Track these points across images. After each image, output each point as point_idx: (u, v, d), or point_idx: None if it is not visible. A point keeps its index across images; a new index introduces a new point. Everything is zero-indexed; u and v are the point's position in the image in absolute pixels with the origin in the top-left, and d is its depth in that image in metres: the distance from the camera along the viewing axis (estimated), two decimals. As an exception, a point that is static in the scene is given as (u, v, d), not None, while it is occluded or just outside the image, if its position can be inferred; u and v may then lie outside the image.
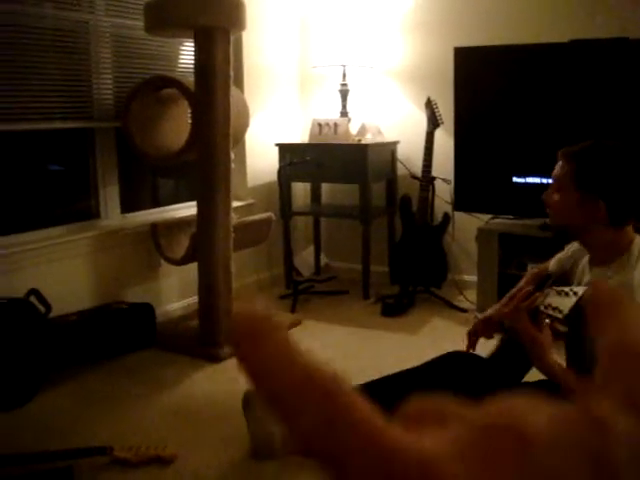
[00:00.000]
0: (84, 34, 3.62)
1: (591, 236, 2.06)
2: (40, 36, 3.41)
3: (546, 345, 1.97)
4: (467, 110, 3.98)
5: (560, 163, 2.08)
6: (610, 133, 3.58)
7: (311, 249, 5.17)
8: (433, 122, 4.30)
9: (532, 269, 2.57)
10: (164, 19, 3.39)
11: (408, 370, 2.31)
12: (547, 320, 1.99)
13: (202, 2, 3.33)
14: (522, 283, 2.45)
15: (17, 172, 3.57)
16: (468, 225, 4.32)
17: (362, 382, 2.32)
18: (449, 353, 2.31)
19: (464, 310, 4.23)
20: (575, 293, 1.98)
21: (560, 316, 1.96)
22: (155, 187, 4.56)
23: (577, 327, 2.01)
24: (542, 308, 2.01)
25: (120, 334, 3.55)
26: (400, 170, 4.78)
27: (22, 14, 3.31)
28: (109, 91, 3.74)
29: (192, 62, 3.73)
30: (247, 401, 2.49)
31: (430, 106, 4.30)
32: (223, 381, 3.25)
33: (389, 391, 2.23)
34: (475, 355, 2.27)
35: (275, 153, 4.64)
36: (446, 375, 2.19)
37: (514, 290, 2.45)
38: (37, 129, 3.46)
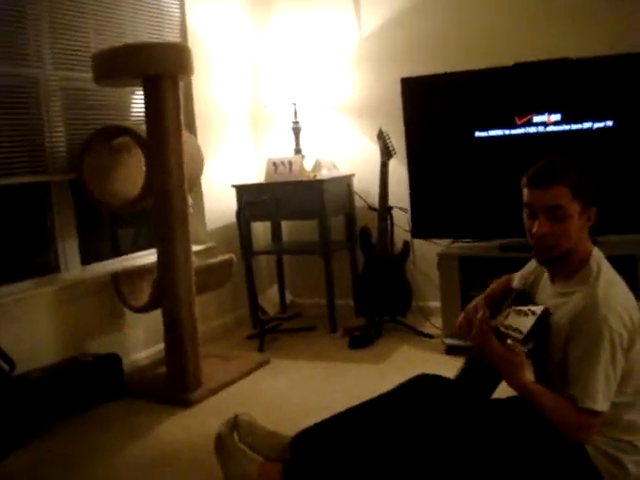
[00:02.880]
0: (34, 89, 3.63)
1: (574, 251, 2.04)
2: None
3: (517, 363, 1.99)
4: (418, 138, 4.05)
5: (544, 191, 2.00)
6: (559, 152, 3.67)
7: (275, 287, 5.18)
8: (386, 153, 4.36)
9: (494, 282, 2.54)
10: (112, 69, 3.41)
11: (377, 398, 2.32)
12: (509, 341, 2.02)
13: (148, 51, 3.37)
14: (488, 290, 2.45)
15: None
16: (428, 252, 4.36)
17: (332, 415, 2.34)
18: (416, 377, 2.33)
19: (430, 336, 4.26)
20: (533, 312, 2.01)
21: (520, 337, 1.98)
22: (115, 236, 4.54)
23: (541, 344, 2.04)
24: (502, 329, 2.04)
25: (88, 387, 3.51)
26: (358, 202, 4.82)
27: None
28: (62, 144, 3.74)
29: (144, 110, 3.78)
30: (219, 442, 2.47)
31: (382, 137, 4.37)
32: (195, 425, 3.22)
33: (360, 421, 2.24)
34: (442, 377, 2.29)
35: (232, 195, 4.66)
36: (414, 399, 2.20)
37: (475, 302, 2.43)
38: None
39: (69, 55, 3.78)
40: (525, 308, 2.05)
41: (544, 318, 2.00)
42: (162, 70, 3.35)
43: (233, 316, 4.85)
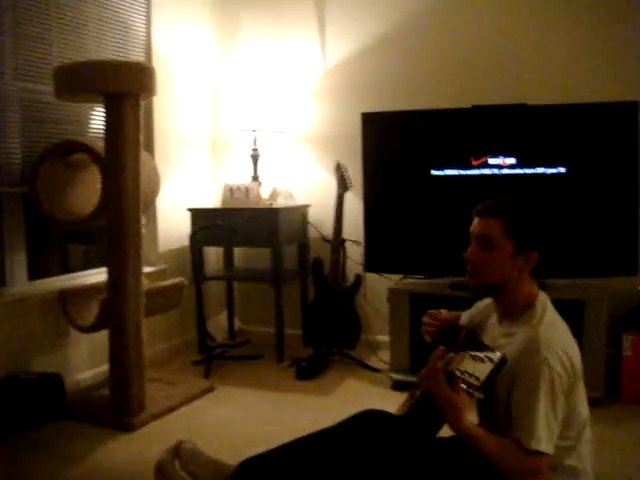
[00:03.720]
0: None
1: (512, 290, 2.11)
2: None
3: (463, 407, 2.00)
4: (375, 173, 4.08)
5: (484, 221, 2.10)
6: (515, 193, 3.73)
7: (224, 314, 5.14)
8: (343, 186, 4.39)
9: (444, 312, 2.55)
10: (73, 84, 3.37)
11: (322, 430, 2.31)
12: (463, 385, 2.02)
13: (111, 68, 3.34)
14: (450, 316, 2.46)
15: None
16: (379, 286, 4.38)
17: (274, 446, 2.32)
18: (362, 412, 2.32)
19: (377, 370, 4.26)
20: (490, 359, 2.03)
21: (477, 383, 1.99)
22: (64, 253, 4.46)
23: (489, 389, 2.05)
24: (458, 373, 2.04)
25: (28, 406, 3.42)
26: (312, 233, 4.84)
27: None
28: (17, 155, 3.68)
29: (103, 126, 3.74)
30: (160, 469, 2.43)
31: (340, 170, 4.40)
32: (136, 450, 3.16)
33: (304, 453, 2.22)
34: (388, 413, 2.29)
35: (187, 218, 4.63)
36: (359, 434, 2.20)
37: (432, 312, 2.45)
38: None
39: (30, 66, 3.73)
40: (481, 354, 2.05)
41: (501, 366, 2.01)
42: (124, 89, 3.32)
43: (180, 340, 4.80)
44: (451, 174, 3.93)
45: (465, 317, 2.43)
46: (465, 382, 2.01)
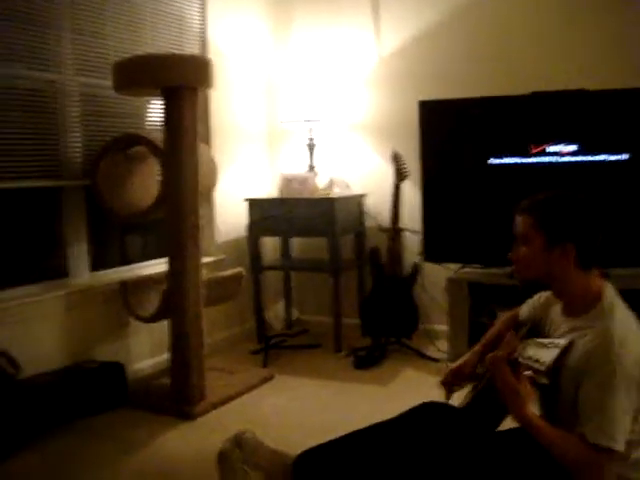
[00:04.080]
0: (53, 94, 3.65)
1: (562, 284, 2.09)
2: (9, 96, 3.43)
3: (526, 397, 1.97)
4: (434, 162, 4.05)
5: (519, 218, 2.13)
6: (575, 181, 3.67)
7: (282, 303, 5.17)
8: (399, 175, 4.37)
9: (501, 316, 2.59)
10: (133, 79, 3.42)
11: (382, 422, 2.30)
12: (528, 372, 2.00)
13: (170, 62, 3.38)
14: (493, 330, 2.47)
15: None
16: (438, 275, 4.36)
17: (336, 436, 2.32)
18: (422, 404, 2.31)
19: (436, 360, 4.24)
20: (556, 345, 1.99)
21: (543, 369, 1.96)
22: (123, 244, 4.53)
23: (555, 377, 2.02)
24: (521, 360, 2.02)
25: (91, 394, 3.50)
26: (368, 222, 4.82)
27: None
28: (78, 149, 3.75)
29: (159, 119, 3.81)
30: (222, 458, 2.45)
31: (396, 159, 4.37)
32: (196, 439, 3.21)
33: (365, 445, 2.22)
34: (448, 405, 2.28)
35: (244, 208, 4.66)
36: (420, 427, 2.18)
37: (486, 337, 2.47)
38: (5, 188, 3.45)
39: (88, 61, 3.80)
40: (546, 341, 2.03)
41: (566, 351, 1.98)
42: (182, 81, 3.36)
43: (238, 330, 4.84)
44: (509, 162, 3.88)
45: (526, 310, 2.40)
46: (530, 368, 1.99)
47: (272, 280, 5.10)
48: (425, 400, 2.34)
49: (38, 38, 3.54)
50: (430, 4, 4.61)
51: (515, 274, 2.21)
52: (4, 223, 3.60)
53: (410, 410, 2.31)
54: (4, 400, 3.04)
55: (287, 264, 5.03)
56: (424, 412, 2.26)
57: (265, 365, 4.26)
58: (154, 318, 3.66)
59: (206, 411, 3.51)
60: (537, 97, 3.81)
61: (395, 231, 4.43)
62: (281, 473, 2.38)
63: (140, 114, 4.18)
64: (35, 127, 3.57)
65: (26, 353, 3.28)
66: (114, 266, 4.14)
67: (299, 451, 2.38)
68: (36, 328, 3.48)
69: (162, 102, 3.46)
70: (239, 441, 2.49)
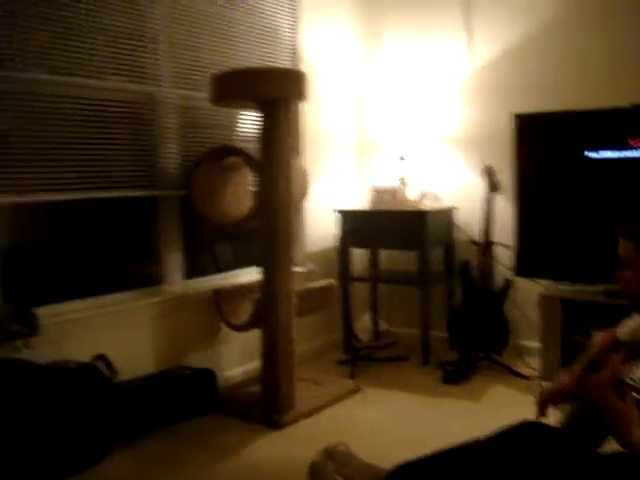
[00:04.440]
0: (150, 106, 3.75)
1: None
2: (109, 108, 3.54)
3: (632, 419, 1.92)
4: (528, 175, 3.98)
5: (622, 241, 2.17)
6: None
7: (368, 314, 5.16)
8: (492, 188, 4.32)
9: (597, 336, 2.52)
10: (231, 91, 3.48)
11: (478, 441, 2.26)
12: (634, 393, 1.94)
13: (266, 75, 3.43)
14: (593, 350, 2.42)
15: (85, 238, 3.66)
16: (529, 290, 4.27)
17: (427, 451, 2.29)
18: (521, 423, 2.27)
19: (526, 377, 4.15)
20: None
21: None
22: (215, 253, 4.61)
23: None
24: (628, 381, 1.96)
25: (183, 399, 3.57)
26: (458, 235, 4.77)
27: (92, 87, 3.45)
28: (174, 160, 3.84)
29: (250, 131, 3.92)
30: (314, 471, 2.47)
31: (489, 172, 4.32)
32: (285, 448, 3.23)
33: (462, 464, 2.19)
34: (547, 425, 2.23)
35: (333, 219, 4.68)
36: (520, 446, 2.14)
37: (585, 357, 2.42)
38: (104, 197, 3.56)
39: (184, 74, 3.89)
40: None
41: None
42: (278, 94, 3.40)
43: (325, 340, 4.86)
44: (608, 179, 3.78)
45: (626, 331, 2.33)
46: (637, 389, 1.93)
47: (359, 291, 5.10)
48: (518, 418, 2.30)
49: (137, 52, 3.65)
50: (523, 16, 4.53)
51: (620, 292, 2.23)
52: (103, 231, 3.71)
53: (508, 429, 2.27)
54: (101, 402, 3.12)
55: (375, 276, 5.02)
56: (523, 431, 2.22)
57: (352, 377, 4.26)
58: (246, 327, 3.71)
59: (295, 421, 3.54)
60: (637, 109, 3.69)
61: (487, 245, 4.37)
62: (373, 487, 2.38)
63: (231, 125, 4.25)
64: (133, 138, 3.68)
65: (122, 357, 3.37)
66: (206, 274, 4.21)
67: (389, 465, 2.36)
68: (131, 333, 3.58)
69: (257, 114, 3.51)
70: (331, 453, 2.50)
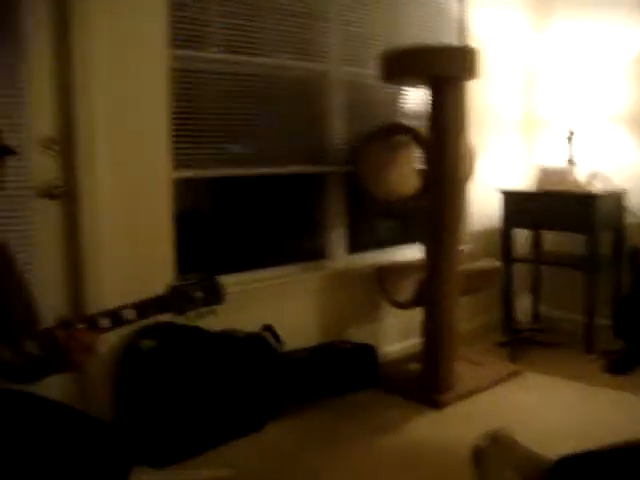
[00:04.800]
0: (319, 83, 3.82)
1: None
2: (280, 85, 3.64)
3: None
4: None
5: None
6: None
7: (527, 297, 5.05)
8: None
9: None
10: (400, 69, 3.48)
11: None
12: None
13: (438, 53, 3.39)
14: None
15: (252, 212, 3.78)
16: None
17: (594, 447, 2.23)
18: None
19: (699, 371, 3.96)
20: None
21: None
22: (377, 229, 4.64)
23: None
24: None
25: (344, 373, 3.65)
26: (629, 219, 4.57)
27: (265, 65, 3.56)
28: (340, 136, 3.90)
29: (412, 107, 3.98)
30: (478, 456, 2.45)
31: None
32: (444, 429, 3.24)
33: (631, 466, 2.12)
34: None
35: (496, 198, 4.60)
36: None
37: None
38: (274, 173, 3.67)
39: (352, 51, 3.93)
40: None
41: None
42: (449, 73, 3.38)
43: (484, 320, 4.79)
44: None
45: None
46: None
47: (519, 273, 5.00)
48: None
49: (307, 30, 3.72)
50: None
51: None
52: (271, 206, 3.82)
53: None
54: (266, 371, 3.24)
55: (539, 257, 4.89)
56: None
57: (513, 359, 4.20)
58: (410, 304, 3.73)
59: (453, 401, 3.53)
60: None
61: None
62: (537, 477, 2.35)
63: (395, 102, 4.25)
64: (303, 115, 3.76)
65: (287, 329, 3.48)
66: (368, 250, 4.24)
67: (551, 455, 2.32)
68: (296, 306, 3.69)
69: (424, 91, 3.50)
70: (495, 438, 2.48)
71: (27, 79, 2.73)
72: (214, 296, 1.97)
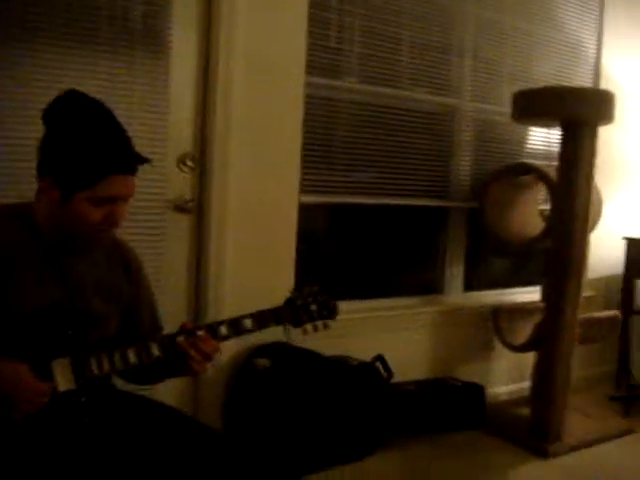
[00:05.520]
0: (449, 118, 3.82)
1: None
2: (411, 118, 3.66)
3: None
4: None
5: None
6: None
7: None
8: None
9: None
10: (534, 109, 3.45)
11: None
12: None
13: (572, 95, 3.35)
14: None
15: (374, 242, 3.80)
16: None
17: None
18: None
19: None
20: None
21: None
22: (495, 268, 4.58)
23: None
24: None
25: (450, 410, 3.60)
26: None
27: (397, 97, 3.59)
28: (467, 172, 3.89)
29: (539, 147, 4.03)
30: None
31: None
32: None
33: None
34: None
35: (620, 246, 4.46)
36: None
37: None
38: (395, 204, 3.69)
39: (484, 87, 3.93)
40: None
41: None
42: (583, 116, 3.32)
43: (597, 371, 4.62)
44: None
45: None
46: None
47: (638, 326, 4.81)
48: None
49: (441, 64, 3.74)
50: None
51: None
52: (392, 237, 3.83)
53: None
54: (375, 401, 3.23)
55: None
56: None
57: (625, 415, 4.03)
58: (524, 348, 3.65)
59: (562, 452, 3.42)
60: None
61: None
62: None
63: (522, 141, 4.20)
64: (430, 149, 3.78)
65: (397, 360, 3.46)
66: (485, 289, 4.20)
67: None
68: (408, 338, 3.68)
69: (557, 132, 3.45)
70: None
71: (172, 95, 2.85)
72: (328, 310, 2.01)
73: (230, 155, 2.98)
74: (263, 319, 1.87)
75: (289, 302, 1.94)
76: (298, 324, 1.94)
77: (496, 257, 4.48)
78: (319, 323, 1.99)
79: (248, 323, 1.84)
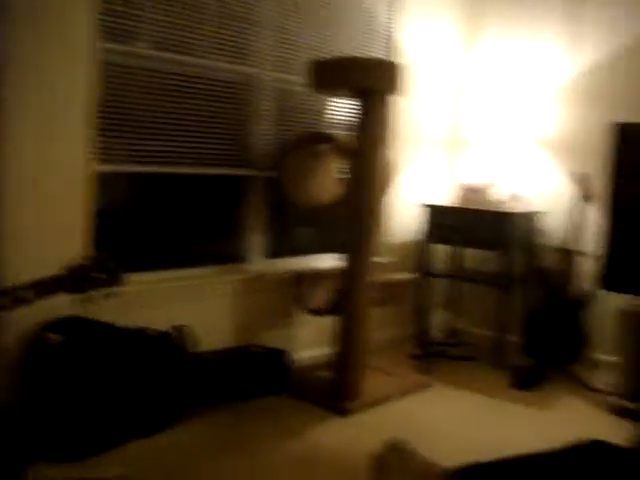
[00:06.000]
0: (249, 87, 3.83)
1: None
2: (210, 87, 3.63)
3: None
4: (626, 187, 3.86)
5: None
6: None
7: (444, 312, 5.13)
8: (585, 197, 4.23)
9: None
10: (329, 79, 3.51)
11: (545, 454, 2.24)
12: None
13: (359, 66, 3.44)
14: None
15: (172, 212, 3.75)
16: (608, 303, 4.20)
17: (491, 456, 2.28)
18: (589, 441, 2.23)
19: (598, 391, 4.08)
20: None
21: None
22: (295, 236, 4.65)
23: None
24: None
25: (255, 376, 3.64)
26: (542, 240, 4.69)
27: (194, 65, 3.55)
28: (264, 141, 3.91)
29: (338, 116, 4.08)
30: (379, 463, 2.48)
31: (585, 181, 4.23)
32: (348, 436, 3.26)
33: (527, 475, 2.18)
34: (615, 445, 2.19)
35: (416, 212, 4.67)
36: (583, 465, 2.12)
37: None
38: (195, 173, 3.66)
39: (282, 57, 3.96)
40: None
41: None
42: (377, 86, 3.42)
43: (398, 332, 4.85)
44: None
45: None
46: None
47: (436, 288, 5.08)
48: (587, 433, 2.27)
49: (241, 34, 3.73)
50: (631, 24, 4.39)
51: None
52: (191, 206, 3.80)
53: (575, 446, 2.24)
54: (174, 371, 3.21)
55: (455, 273, 4.98)
56: (591, 450, 2.19)
57: (424, 372, 4.26)
58: (324, 312, 3.76)
59: (360, 409, 3.56)
60: None
61: (570, 253, 4.29)
62: (434, 485, 2.38)
63: (321, 111, 4.29)
64: (229, 118, 3.76)
65: (201, 329, 3.48)
66: (286, 256, 4.26)
67: (451, 465, 2.37)
68: (212, 307, 3.68)
69: (352, 102, 3.53)
70: (396, 447, 2.51)
71: None
72: (112, 277, 1.97)
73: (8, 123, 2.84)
74: (42, 287, 1.81)
75: (70, 270, 1.89)
76: (82, 291, 1.89)
77: (298, 225, 4.55)
78: (105, 291, 1.95)
79: (25, 292, 1.77)
